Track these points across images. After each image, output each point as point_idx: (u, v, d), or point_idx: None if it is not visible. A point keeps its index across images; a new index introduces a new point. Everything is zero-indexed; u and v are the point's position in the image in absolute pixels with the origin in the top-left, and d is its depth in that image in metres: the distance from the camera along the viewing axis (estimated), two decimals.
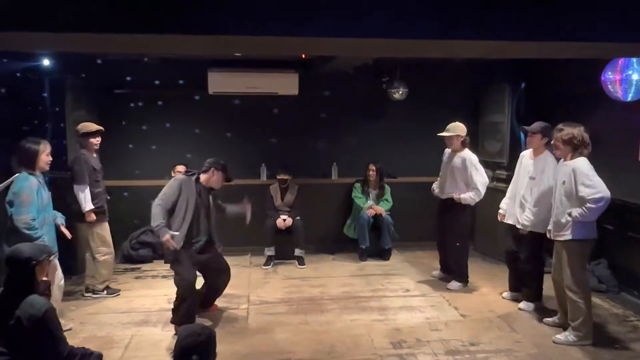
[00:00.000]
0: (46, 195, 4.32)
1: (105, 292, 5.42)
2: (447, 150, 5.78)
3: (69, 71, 5.96)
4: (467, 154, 5.56)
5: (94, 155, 5.33)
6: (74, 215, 5.13)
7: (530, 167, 4.91)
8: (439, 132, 5.62)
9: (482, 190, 5.44)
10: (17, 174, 4.19)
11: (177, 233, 4.39)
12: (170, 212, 4.47)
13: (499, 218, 5.29)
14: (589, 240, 4.28)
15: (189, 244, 4.51)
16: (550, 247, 4.63)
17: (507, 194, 5.24)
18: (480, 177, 5.45)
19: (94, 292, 5.38)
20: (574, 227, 4.22)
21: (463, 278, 5.74)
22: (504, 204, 5.25)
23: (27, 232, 4.01)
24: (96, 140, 5.28)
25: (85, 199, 5.12)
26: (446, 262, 5.94)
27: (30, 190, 4.11)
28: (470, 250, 7.00)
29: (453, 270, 5.81)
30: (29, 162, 4.20)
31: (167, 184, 4.59)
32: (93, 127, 5.25)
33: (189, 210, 4.49)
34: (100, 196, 5.29)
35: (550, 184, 4.65)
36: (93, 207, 5.14)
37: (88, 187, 5.14)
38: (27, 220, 4.04)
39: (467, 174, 5.46)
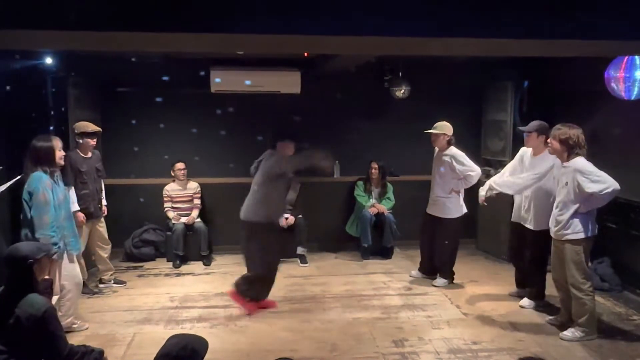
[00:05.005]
0: (61, 193, 4.27)
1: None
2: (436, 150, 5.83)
3: (72, 69, 5.95)
4: (453, 151, 5.59)
5: (88, 155, 5.29)
6: None
7: (530, 166, 4.94)
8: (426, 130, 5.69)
9: (474, 178, 5.49)
10: (20, 176, 4.18)
11: None
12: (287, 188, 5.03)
13: (480, 201, 5.17)
14: (590, 238, 4.32)
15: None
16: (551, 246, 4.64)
17: (497, 174, 5.18)
18: (468, 169, 5.49)
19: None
20: (575, 225, 4.26)
21: (449, 275, 5.77)
22: (493, 183, 5.06)
23: (47, 233, 3.98)
24: (92, 141, 5.24)
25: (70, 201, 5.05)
26: (428, 262, 5.92)
27: (46, 190, 4.06)
28: (473, 249, 7.01)
29: (439, 267, 5.80)
30: (48, 160, 4.14)
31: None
32: (91, 127, 5.23)
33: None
34: (86, 198, 5.19)
35: (545, 181, 4.74)
36: (78, 208, 5.07)
37: (72, 189, 5.03)
38: (48, 221, 4.00)
39: (456, 171, 5.52)
